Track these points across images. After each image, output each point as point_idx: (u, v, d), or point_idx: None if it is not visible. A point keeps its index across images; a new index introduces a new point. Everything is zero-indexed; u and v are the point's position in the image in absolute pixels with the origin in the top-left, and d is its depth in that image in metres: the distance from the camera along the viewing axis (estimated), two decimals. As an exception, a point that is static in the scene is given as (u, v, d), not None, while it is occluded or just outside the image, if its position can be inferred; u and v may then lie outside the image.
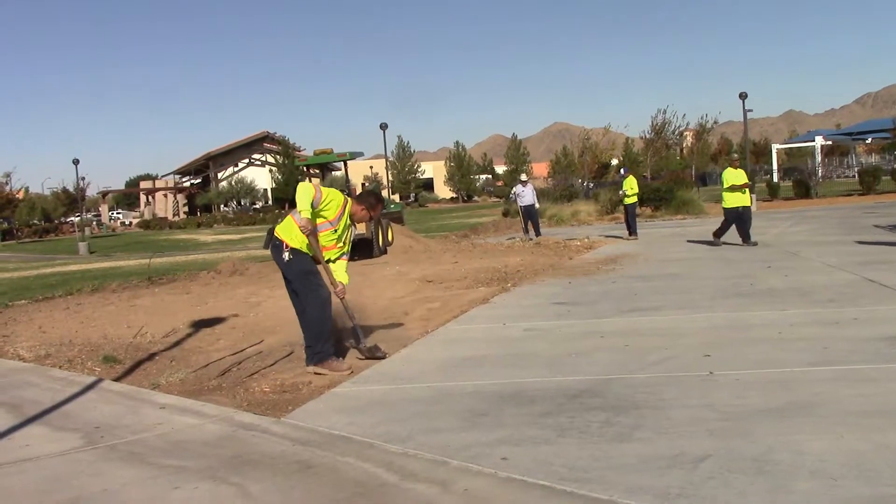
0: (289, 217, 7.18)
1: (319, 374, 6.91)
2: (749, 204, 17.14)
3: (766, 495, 3.68)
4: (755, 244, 16.34)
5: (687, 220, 28.49)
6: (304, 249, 7.03)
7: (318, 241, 7.08)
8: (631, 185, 21.76)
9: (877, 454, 4.11)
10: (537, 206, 24.10)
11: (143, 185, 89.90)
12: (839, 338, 6.96)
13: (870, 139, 71.85)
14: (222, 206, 79.39)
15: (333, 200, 7.07)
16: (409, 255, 18.97)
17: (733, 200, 16.82)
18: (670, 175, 52.58)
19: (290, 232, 7.02)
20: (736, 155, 18.83)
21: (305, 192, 6.86)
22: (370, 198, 7.50)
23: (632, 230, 21.37)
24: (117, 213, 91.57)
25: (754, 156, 71.12)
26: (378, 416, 5.49)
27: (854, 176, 49.20)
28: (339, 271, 7.41)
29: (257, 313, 10.94)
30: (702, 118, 59.61)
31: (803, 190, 38.15)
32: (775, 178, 53.62)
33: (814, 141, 67.36)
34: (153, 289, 15.62)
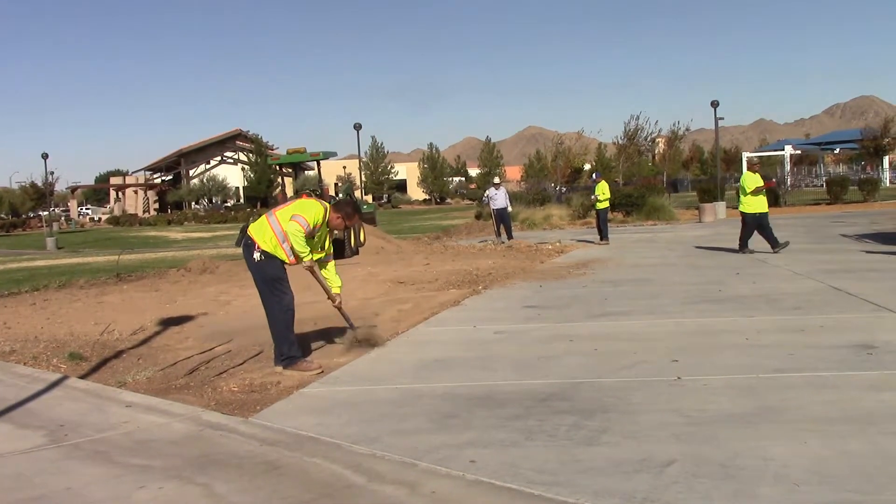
0: (263, 217, 7.19)
1: (299, 373, 6.90)
2: (767, 210, 16.40)
3: (731, 500, 3.72)
4: (787, 244, 15.82)
5: (658, 226, 28.69)
6: (275, 252, 7.02)
7: (289, 253, 7.08)
8: (603, 191, 21.86)
9: (839, 460, 4.16)
10: (510, 209, 24.14)
11: (114, 180, 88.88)
12: (805, 345, 7.04)
13: (838, 149, 72.93)
14: (193, 203, 78.75)
15: (318, 214, 7.10)
16: (380, 256, 18.94)
17: (755, 206, 16.05)
18: (642, 181, 52.94)
19: (262, 233, 7.02)
20: (756, 158, 18.36)
21: (297, 237, 6.89)
22: (347, 207, 7.48)
23: (603, 235, 21.48)
24: (86, 209, 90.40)
25: (725, 163, 71.83)
26: (347, 417, 5.48)
27: (822, 185, 49.79)
28: (331, 276, 7.47)
29: (227, 312, 10.87)
30: (674, 125, 60.07)
31: (772, 198, 38.49)
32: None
33: (783, 150, 68.18)
34: (121, 286, 15.47)
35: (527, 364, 6.88)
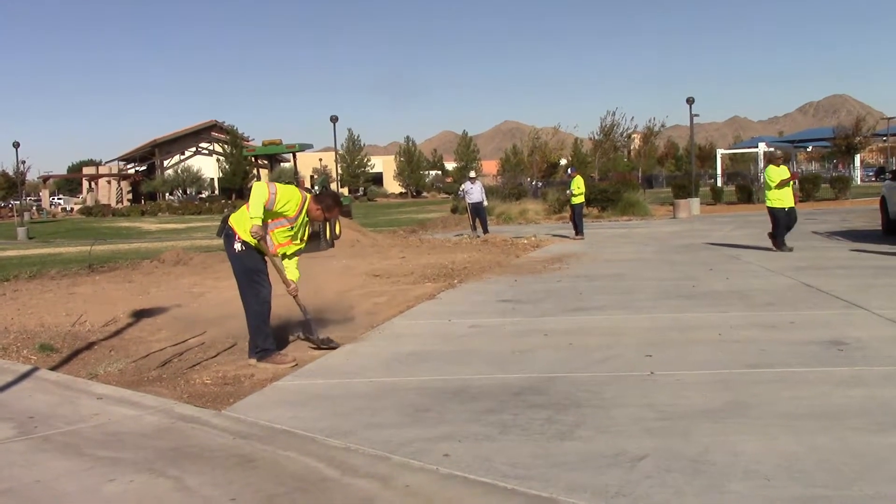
0: (243, 208, 7.09)
1: (273, 366, 6.87)
2: (794, 204, 15.81)
3: (701, 495, 3.74)
4: (791, 250, 15.12)
5: (633, 222, 28.85)
6: (256, 245, 6.97)
7: (269, 243, 7.03)
8: (578, 185, 21.95)
9: (808, 455, 4.21)
10: (485, 203, 24.19)
11: (86, 170, 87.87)
12: (777, 341, 7.11)
13: (810, 147, 73.68)
14: (167, 194, 78.14)
15: (291, 200, 6.99)
16: (356, 249, 18.90)
17: (782, 199, 15.49)
18: (617, 176, 53.12)
19: (243, 224, 6.94)
20: (780, 153, 17.69)
21: (259, 195, 6.76)
22: (327, 199, 7.41)
23: (578, 230, 21.57)
24: (58, 199, 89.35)
25: (699, 160, 72.31)
26: (321, 411, 5.46)
27: (795, 183, 50.34)
28: (291, 268, 7.37)
29: (200, 304, 10.81)
30: (649, 121, 60.42)
31: (746, 195, 38.86)
32: (719, 183, 54.55)
33: (757, 147, 68.70)
34: (93, 277, 15.33)
35: (501, 358, 6.90)
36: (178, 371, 6.94)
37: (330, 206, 7.37)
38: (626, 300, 9.86)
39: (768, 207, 15.76)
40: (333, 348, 7.42)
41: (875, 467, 4.01)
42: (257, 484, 4.10)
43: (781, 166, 15.92)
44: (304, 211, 7.15)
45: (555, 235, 22.22)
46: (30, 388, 6.45)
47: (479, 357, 6.98)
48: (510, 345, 7.43)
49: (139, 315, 9.81)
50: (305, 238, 7.43)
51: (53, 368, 7.22)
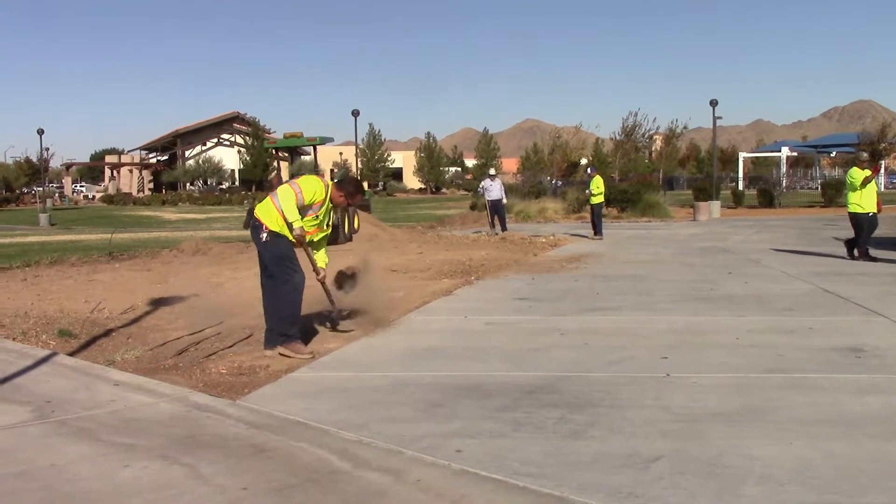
0: (268, 198, 7.17)
1: (284, 355, 6.92)
2: (876, 210, 14.48)
3: (715, 498, 3.73)
4: (875, 260, 13.93)
5: (652, 223, 28.72)
6: (282, 232, 7.03)
7: (309, 245, 7.21)
8: (597, 185, 21.86)
9: (823, 462, 4.18)
10: (504, 200, 24.14)
11: (109, 159, 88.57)
12: (794, 346, 7.06)
13: (834, 153, 72.95)
14: (188, 184, 78.57)
15: (317, 190, 7.10)
16: (374, 244, 18.94)
17: (866, 204, 14.32)
18: (638, 177, 52.92)
19: (269, 214, 7.03)
20: (865, 154, 16.16)
21: (288, 199, 6.89)
22: (350, 186, 7.53)
23: (597, 230, 21.49)
24: (81, 187, 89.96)
25: (721, 163, 71.88)
26: (334, 403, 5.48)
27: (817, 188, 49.87)
28: (320, 253, 7.50)
29: (218, 294, 10.85)
30: (672, 123, 60.12)
31: (767, 199, 38.61)
32: (741, 186, 54.21)
33: (780, 151, 68.19)
34: (113, 264, 15.43)
35: (516, 356, 6.89)
36: (195, 360, 6.97)
37: (352, 193, 7.48)
38: (644, 301, 9.82)
39: (850, 213, 14.61)
40: (347, 331, 7.77)
41: (890, 475, 3.98)
42: (270, 474, 4.12)
43: (866, 171, 14.63)
44: (327, 198, 7.24)
45: (573, 235, 22.15)
46: (48, 373, 6.50)
47: (494, 354, 6.97)
48: (525, 343, 7.42)
49: (157, 303, 9.86)
50: (330, 224, 7.53)
51: (71, 354, 7.28)
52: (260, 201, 7.36)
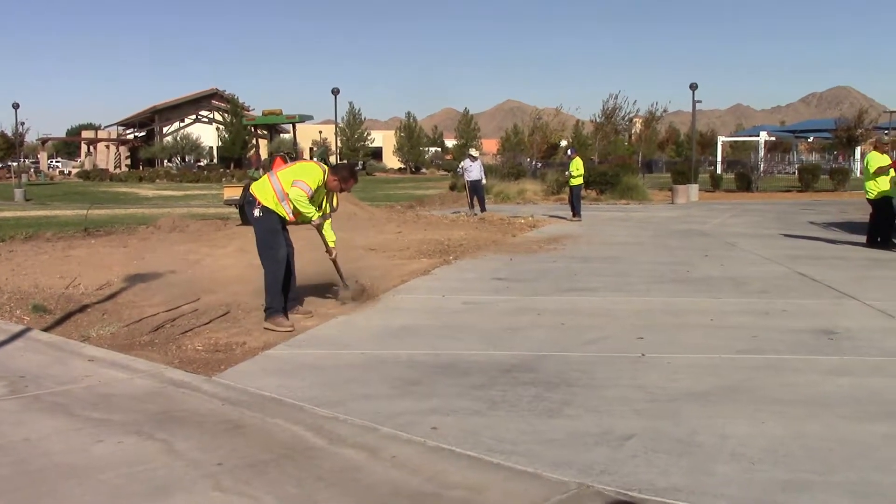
0: (265, 177, 7.61)
1: (267, 329, 7.09)
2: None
3: (687, 475, 3.77)
4: None
5: (631, 206, 28.81)
6: (275, 209, 7.39)
7: (289, 212, 7.47)
8: (577, 167, 21.88)
9: (794, 441, 4.23)
10: (484, 181, 24.12)
11: (85, 134, 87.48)
12: (768, 328, 7.13)
13: (812, 138, 73.47)
14: (166, 161, 77.88)
15: (317, 179, 7.50)
16: (352, 223, 18.86)
17: (881, 188, 13.81)
18: (617, 160, 53.01)
19: (264, 191, 7.41)
20: (886, 137, 15.14)
21: (303, 202, 7.36)
22: (344, 171, 7.93)
23: (576, 211, 21.52)
24: (57, 162, 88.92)
25: (700, 146, 72.17)
26: (310, 380, 5.48)
27: (794, 173, 50.19)
28: (327, 233, 7.92)
29: (195, 271, 10.79)
30: (652, 106, 60.10)
31: (745, 183, 38.79)
32: (719, 170, 54.47)
33: (758, 136, 68.53)
34: (89, 240, 15.30)
35: (493, 335, 6.91)
36: (171, 336, 6.94)
37: (346, 178, 7.87)
38: (621, 283, 9.87)
39: (869, 199, 14.09)
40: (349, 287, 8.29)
41: (861, 455, 4.04)
42: (244, 450, 4.12)
43: (885, 154, 14.14)
44: (323, 182, 7.60)
45: (552, 216, 22.19)
46: (21, 348, 6.46)
47: (470, 333, 6.99)
48: (502, 322, 7.44)
49: (133, 280, 9.79)
50: (326, 206, 7.90)
51: (46, 330, 7.23)
52: (254, 179, 7.64)
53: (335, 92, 42.17)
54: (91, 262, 11.59)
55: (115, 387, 5.35)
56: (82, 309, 8.16)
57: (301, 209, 7.39)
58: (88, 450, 4.15)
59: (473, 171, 23.50)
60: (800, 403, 4.91)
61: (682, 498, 3.53)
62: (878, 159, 13.98)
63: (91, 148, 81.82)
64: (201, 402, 4.98)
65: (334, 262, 8.14)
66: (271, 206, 7.37)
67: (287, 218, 7.49)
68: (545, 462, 3.92)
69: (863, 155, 64.78)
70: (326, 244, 7.95)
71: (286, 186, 7.36)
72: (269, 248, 7.40)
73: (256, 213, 7.39)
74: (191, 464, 3.95)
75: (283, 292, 7.49)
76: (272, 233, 7.42)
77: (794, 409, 4.79)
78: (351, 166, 8.56)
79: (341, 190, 7.98)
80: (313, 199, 7.52)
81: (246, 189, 7.59)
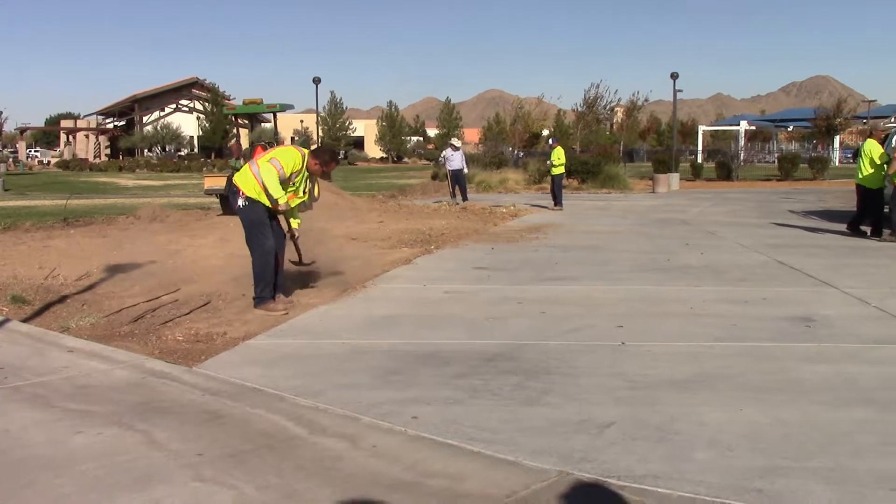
0: (246, 167, 7.63)
1: (264, 313, 7.32)
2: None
3: (666, 462, 3.80)
4: None
5: (612, 195, 28.90)
6: (259, 198, 7.43)
7: (271, 199, 7.45)
8: (558, 156, 21.93)
9: (772, 428, 4.28)
10: (466, 171, 24.13)
11: (64, 123, 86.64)
12: (747, 316, 7.19)
13: (791, 127, 74.00)
14: (146, 150, 77.30)
15: (294, 160, 7.54)
16: (334, 212, 18.80)
17: (881, 178, 13.70)
18: (599, 149, 53.15)
19: (247, 181, 7.46)
20: (891, 123, 14.84)
21: (272, 178, 7.32)
22: (325, 155, 7.95)
23: (557, 201, 21.57)
24: (35, 152, 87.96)
25: (681, 136, 72.40)
26: (291, 370, 5.48)
27: (774, 162, 50.49)
28: (295, 213, 8.02)
29: (175, 261, 10.73)
30: (633, 95, 60.22)
31: (725, 172, 38.98)
32: (700, 159, 54.69)
33: (738, 125, 68.90)
34: (68, 230, 15.19)
35: (474, 324, 6.93)
36: (151, 327, 6.91)
37: (327, 161, 7.91)
38: (601, 271, 9.91)
39: (866, 187, 13.94)
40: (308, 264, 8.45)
41: (836, 441, 4.09)
42: (225, 440, 4.12)
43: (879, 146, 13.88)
44: (303, 167, 7.67)
45: (534, 205, 22.23)
46: (0, 340, 6.41)
47: (452, 322, 7.01)
48: (484, 311, 7.46)
49: (113, 270, 9.73)
50: (308, 191, 7.98)
51: (25, 320, 7.18)
52: (235, 169, 7.65)
53: (316, 81, 42.01)
54: (70, 253, 11.51)
55: (94, 378, 5.33)
56: (62, 300, 8.11)
57: (267, 184, 7.31)
58: (68, 441, 4.14)
59: (455, 160, 23.49)
60: (777, 390, 4.96)
61: (661, 484, 3.57)
62: (879, 147, 13.78)
63: (70, 137, 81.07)
64: (182, 393, 4.97)
65: (294, 242, 8.21)
66: (254, 195, 7.41)
67: (270, 206, 7.50)
68: (525, 450, 3.95)
69: (842, 143, 65.33)
70: (289, 224, 8.01)
71: (262, 168, 7.39)
72: (255, 238, 7.48)
73: (240, 203, 7.45)
74: (171, 454, 3.95)
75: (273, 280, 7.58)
76: (258, 223, 7.48)
77: (772, 396, 4.83)
78: (331, 149, 8.59)
79: (323, 173, 8.08)
80: (288, 183, 7.54)
81: (230, 179, 7.60)
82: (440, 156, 26.22)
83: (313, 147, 8.70)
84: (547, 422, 4.38)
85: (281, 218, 7.82)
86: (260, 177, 7.35)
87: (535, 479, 3.64)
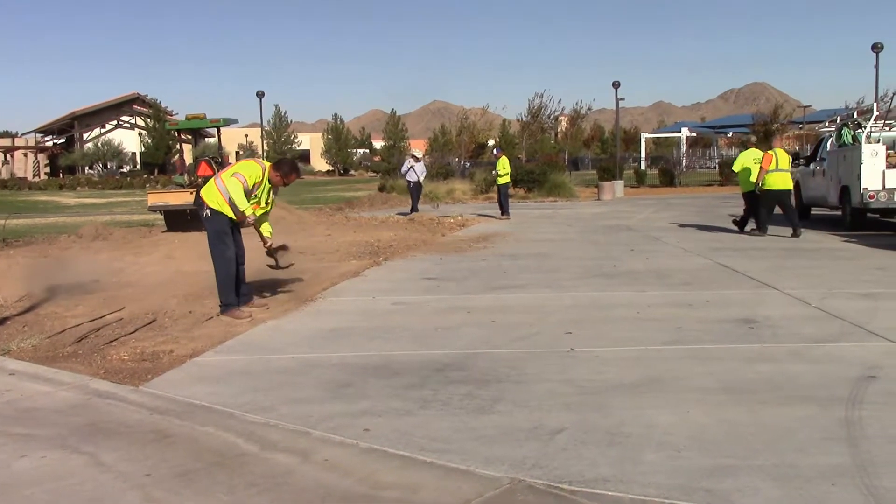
0: (212, 181, 8.03)
1: (231, 318, 7.65)
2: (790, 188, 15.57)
3: (616, 465, 3.85)
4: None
5: (558, 203, 29.19)
6: (221, 210, 7.79)
7: (236, 211, 7.79)
8: (504, 166, 22.10)
9: (718, 428, 4.35)
10: (421, 182, 24.30)
11: (1, 142, 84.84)
12: (692, 319, 7.31)
13: (731, 133, 75.34)
14: (87, 168, 75.92)
15: (255, 173, 7.91)
16: (280, 227, 18.59)
17: (778, 182, 15.00)
18: (544, 158, 53.62)
19: (211, 195, 7.85)
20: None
21: (237, 191, 7.69)
22: (285, 166, 8.30)
23: (504, 210, 21.72)
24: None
25: (624, 143, 73.40)
26: (240, 387, 5.42)
27: (715, 167, 51.45)
28: (264, 225, 8.31)
29: (120, 279, 10.57)
30: (577, 104, 60.87)
31: (668, 178, 39.67)
32: (643, 166, 55.51)
33: (680, 132, 70.11)
34: (8, 251, 14.84)
35: (424, 335, 6.94)
36: (95, 347, 6.78)
37: (287, 173, 8.23)
38: (550, 279, 10.00)
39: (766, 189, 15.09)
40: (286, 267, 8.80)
41: (781, 438, 4.18)
42: (174, 459, 4.06)
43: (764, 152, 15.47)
44: (264, 179, 8.01)
45: (481, 215, 22.34)
46: (-63, 364, 6.23)
47: (401, 334, 7.00)
48: (433, 322, 7.47)
49: (55, 291, 9.53)
50: (272, 202, 8.34)
51: (-37, 344, 6.99)
52: (179, 185, 8.10)
53: (260, 95, 41.79)
54: (10, 274, 11.24)
55: (37, 400, 5.21)
56: (2, 322, 7.92)
57: (233, 197, 7.66)
58: (11, 465, 4.04)
59: (417, 171, 23.67)
60: (722, 391, 5.05)
61: (612, 488, 3.61)
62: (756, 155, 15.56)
63: (8, 156, 79.24)
64: (128, 413, 4.89)
65: (272, 251, 8.51)
66: (217, 207, 7.79)
67: (234, 218, 7.84)
68: (478, 459, 3.96)
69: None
70: (262, 236, 8.36)
71: (227, 182, 7.74)
72: (217, 247, 7.86)
73: (206, 213, 7.83)
74: (119, 476, 3.88)
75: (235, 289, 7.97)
76: (221, 233, 7.85)
77: (718, 397, 4.92)
78: (291, 161, 8.86)
79: (284, 184, 8.33)
80: (252, 195, 7.87)
81: (198, 194, 8.43)
82: (405, 167, 25.56)
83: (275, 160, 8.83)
84: (498, 430, 4.40)
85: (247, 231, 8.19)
86: (226, 191, 7.72)
87: (488, 487, 3.66)
